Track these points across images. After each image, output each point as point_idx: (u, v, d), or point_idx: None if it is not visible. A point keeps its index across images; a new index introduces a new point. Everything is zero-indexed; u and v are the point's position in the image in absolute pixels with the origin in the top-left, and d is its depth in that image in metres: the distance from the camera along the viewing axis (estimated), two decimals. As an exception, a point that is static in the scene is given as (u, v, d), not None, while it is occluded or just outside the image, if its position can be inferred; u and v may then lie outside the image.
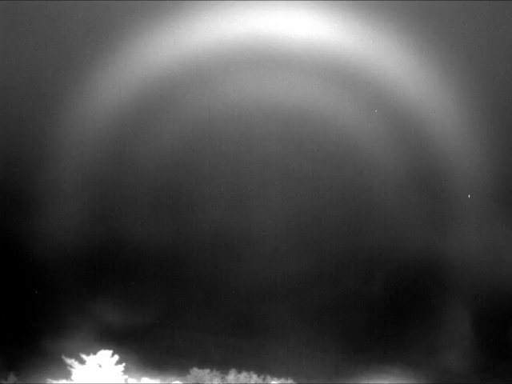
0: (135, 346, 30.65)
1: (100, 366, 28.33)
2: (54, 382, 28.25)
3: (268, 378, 32.66)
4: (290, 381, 32.20)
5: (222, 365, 32.91)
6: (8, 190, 34.25)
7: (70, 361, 28.40)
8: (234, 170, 35.07)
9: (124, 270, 33.98)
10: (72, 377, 28.24)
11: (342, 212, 35.01)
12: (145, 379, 28.98)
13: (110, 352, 28.48)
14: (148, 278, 34.35)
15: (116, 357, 28.51)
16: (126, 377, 28.56)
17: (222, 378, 32.47)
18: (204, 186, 35.00)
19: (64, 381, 28.14)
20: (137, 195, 34.81)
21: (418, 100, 34.43)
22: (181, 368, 32.10)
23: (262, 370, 32.91)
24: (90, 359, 28.36)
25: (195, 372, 32.21)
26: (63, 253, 33.57)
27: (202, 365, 32.51)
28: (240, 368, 32.87)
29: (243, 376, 32.54)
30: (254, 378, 32.56)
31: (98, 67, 33.83)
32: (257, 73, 34.44)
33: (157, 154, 34.78)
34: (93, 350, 28.58)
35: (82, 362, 28.45)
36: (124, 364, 28.67)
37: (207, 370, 32.50)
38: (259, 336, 33.59)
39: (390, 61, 34.07)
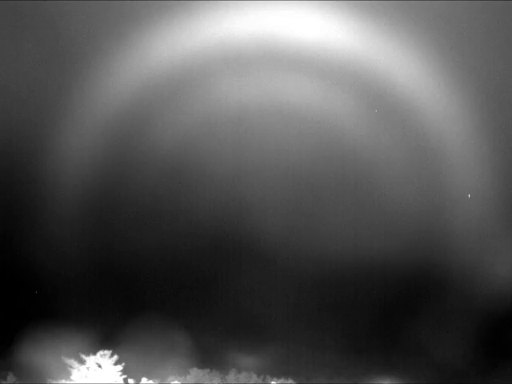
0: (135, 346, 30.64)
1: (99, 366, 28.27)
2: (54, 382, 28.20)
3: (268, 378, 32.68)
4: (290, 381, 32.21)
5: (222, 365, 32.95)
6: (9, 193, 34.32)
7: (69, 361, 28.34)
8: (234, 170, 35.09)
9: (124, 271, 34.02)
10: (72, 377, 28.19)
11: (342, 212, 35.00)
12: (145, 379, 28.92)
13: (109, 352, 28.43)
14: (148, 279, 34.39)
15: (115, 357, 28.48)
16: (126, 377, 28.51)
17: (221, 378, 32.51)
18: (204, 186, 35.02)
19: (64, 381, 28.07)
20: (137, 197, 34.85)
21: (419, 100, 34.42)
22: (181, 368, 32.11)
23: (261, 370, 32.95)
24: (89, 359, 28.31)
25: (195, 372, 32.23)
26: (63, 253, 33.63)
27: (202, 365, 32.54)
28: (240, 368, 32.92)
29: (243, 376, 32.57)
30: (254, 377, 32.59)
31: (98, 69, 33.88)
32: (257, 73, 34.46)
33: (157, 154, 34.81)
34: (92, 350, 28.54)
35: (82, 361, 28.41)
36: (123, 364, 28.64)
37: (207, 370, 32.53)
38: (259, 336, 33.60)
39: (391, 61, 34.06)
